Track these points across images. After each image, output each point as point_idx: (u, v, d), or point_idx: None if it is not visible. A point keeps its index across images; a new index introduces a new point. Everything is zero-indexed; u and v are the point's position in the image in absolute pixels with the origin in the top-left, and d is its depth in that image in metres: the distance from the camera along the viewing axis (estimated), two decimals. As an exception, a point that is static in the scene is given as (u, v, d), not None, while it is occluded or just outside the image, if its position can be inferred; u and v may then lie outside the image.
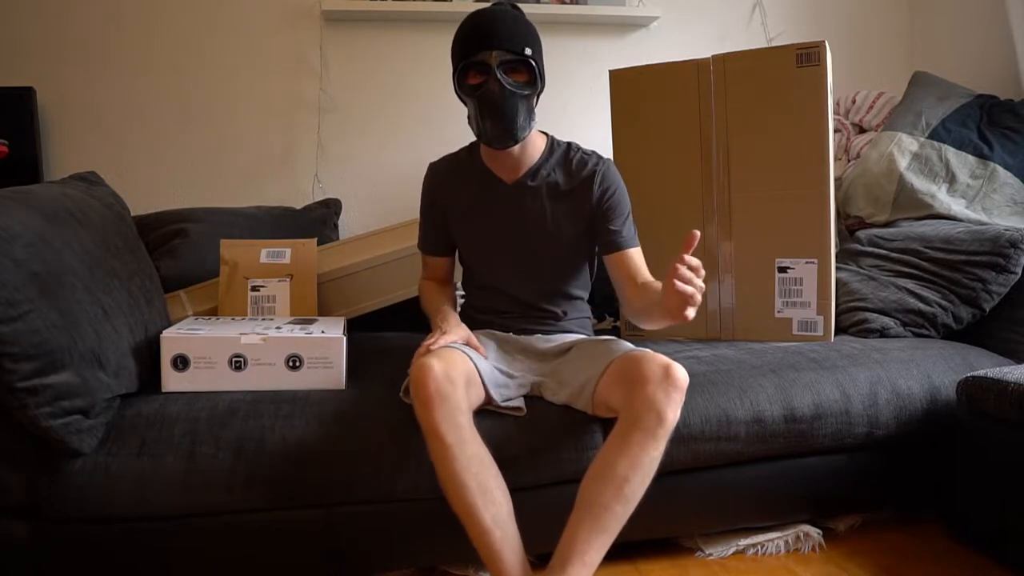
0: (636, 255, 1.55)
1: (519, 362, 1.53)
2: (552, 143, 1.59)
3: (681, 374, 1.27)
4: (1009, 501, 1.42)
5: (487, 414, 1.40)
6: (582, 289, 1.67)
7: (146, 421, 1.33)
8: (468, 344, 1.43)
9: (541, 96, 1.50)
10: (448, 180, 1.61)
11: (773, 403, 1.50)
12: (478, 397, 1.38)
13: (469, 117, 1.48)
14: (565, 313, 1.62)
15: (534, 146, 1.55)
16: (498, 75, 1.39)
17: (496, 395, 1.41)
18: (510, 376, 1.47)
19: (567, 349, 1.55)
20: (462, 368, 1.31)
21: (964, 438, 1.53)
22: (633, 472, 1.23)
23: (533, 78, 1.44)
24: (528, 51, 1.42)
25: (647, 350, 1.35)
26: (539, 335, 1.59)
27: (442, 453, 1.23)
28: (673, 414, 1.25)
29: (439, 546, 1.41)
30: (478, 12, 1.46)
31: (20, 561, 1.27)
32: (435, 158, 1.66)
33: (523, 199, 1.55)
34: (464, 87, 1.45)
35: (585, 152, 1.59)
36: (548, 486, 1.42)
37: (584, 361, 1.46)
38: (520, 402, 1.44)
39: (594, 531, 1.23)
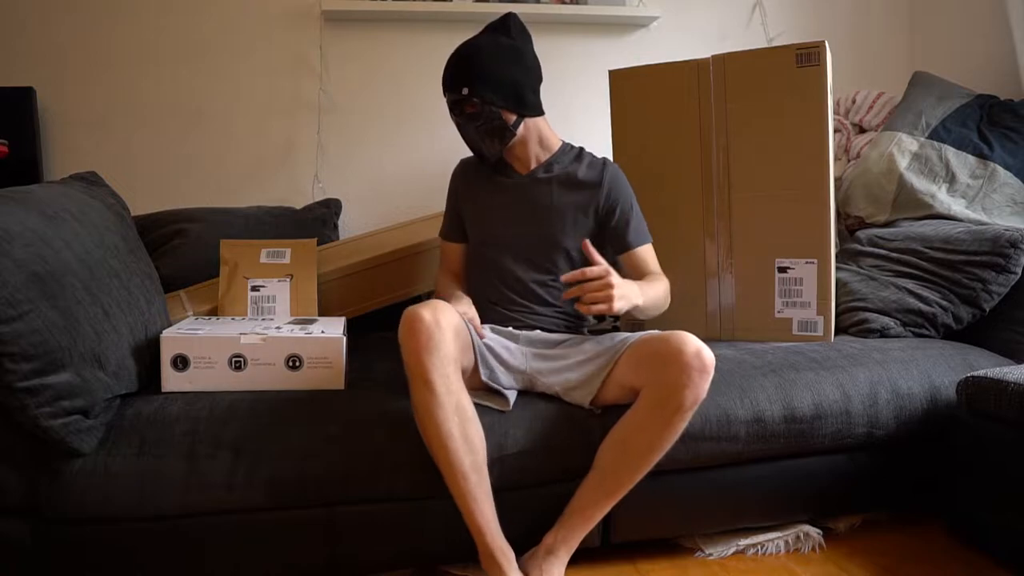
0: (643, 252, 1.64)
1: (519, 355, 1.53)
2: (565, 146, 1.69)
3: (710, 357, 1.32)
4: (1009, 501, 1.42)
5: (481, 411, 1.38)
6: None
7: (146, 421, 1.33)
8: (471, 322, 1.47)
9: (532, 107, 1.59)
10: (471, 173, 1.72)
11: (773, 403, 1.50)
12: (465, 350, 1.39)
13: None
14: (564, 306, 1.63)
15: (549, 143, 1.66)
16: (454, 114, 1.58)
17: (483, 371, 1.44)
18: (505, 365, 1.49)
19: (571, 341, 1.57)
20: (451, 319, 1.32)
21: (964, 438, 1.53)
22: (650, 448, 1.33)
23: (480, 111, 1.54)
24: (465, 90, 1.53)
25: (675, 331, 1.37)
26: (539, 331, 1.61)
27: (429, 400, 1.26)
28: (702, 396, 1.30)
29: (439, 546, 1.41)
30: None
31: (20, 561, 1.27)
32: (435, 158, 1.68)
33: (534, 187, 1.64)
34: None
35: (594, 156, 1.69)
36: (543, 485, 1.42)
37: (594, 346, 1.50)
38: (512, 395, 1.45)
39: (599, 491, 1.36)
